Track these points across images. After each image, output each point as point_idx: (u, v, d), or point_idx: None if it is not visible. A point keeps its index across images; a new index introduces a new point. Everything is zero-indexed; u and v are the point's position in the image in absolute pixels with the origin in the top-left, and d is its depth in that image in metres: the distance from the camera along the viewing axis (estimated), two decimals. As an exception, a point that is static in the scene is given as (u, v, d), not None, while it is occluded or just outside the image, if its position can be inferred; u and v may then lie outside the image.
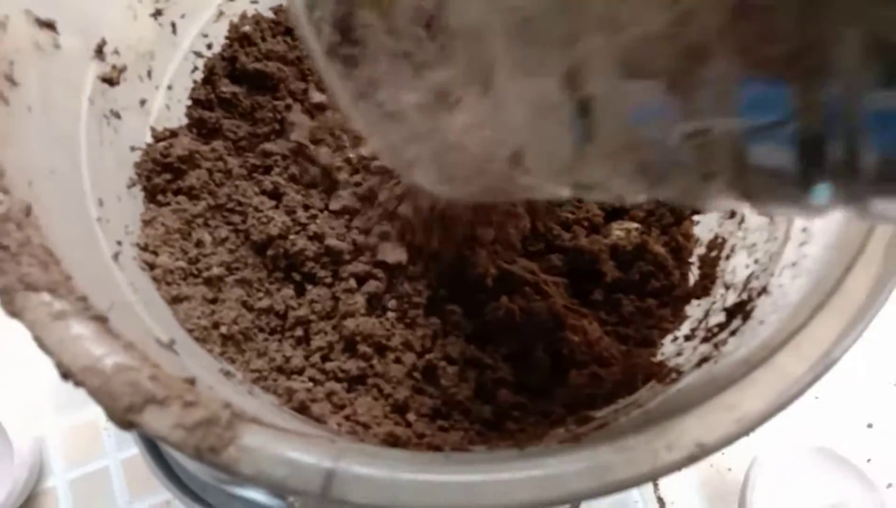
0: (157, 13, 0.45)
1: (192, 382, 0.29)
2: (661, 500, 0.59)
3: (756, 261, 0.39)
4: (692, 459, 0.25)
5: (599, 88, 0.19)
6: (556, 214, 0.48)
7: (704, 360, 0.34)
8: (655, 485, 0.57)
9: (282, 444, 0.26)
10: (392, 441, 0.36)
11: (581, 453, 0.27)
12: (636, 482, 0.25)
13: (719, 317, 0.38)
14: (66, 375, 0.26)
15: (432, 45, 0.21)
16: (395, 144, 0.26)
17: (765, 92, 0.17)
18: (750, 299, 0.36)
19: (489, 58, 0.20)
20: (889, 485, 0.60)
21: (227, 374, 0.38)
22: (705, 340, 0.37)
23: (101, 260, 0.35)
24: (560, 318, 0.44)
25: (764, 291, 0.35)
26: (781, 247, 0.36)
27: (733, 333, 0.35)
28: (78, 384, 0.26)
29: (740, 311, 0.36)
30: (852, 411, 0.63)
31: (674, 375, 0.35)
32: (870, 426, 0.62)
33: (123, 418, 0.26)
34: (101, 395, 0.26)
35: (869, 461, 0.60)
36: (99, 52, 0.40)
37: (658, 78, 0.18)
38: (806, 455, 0.59)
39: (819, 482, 0.58)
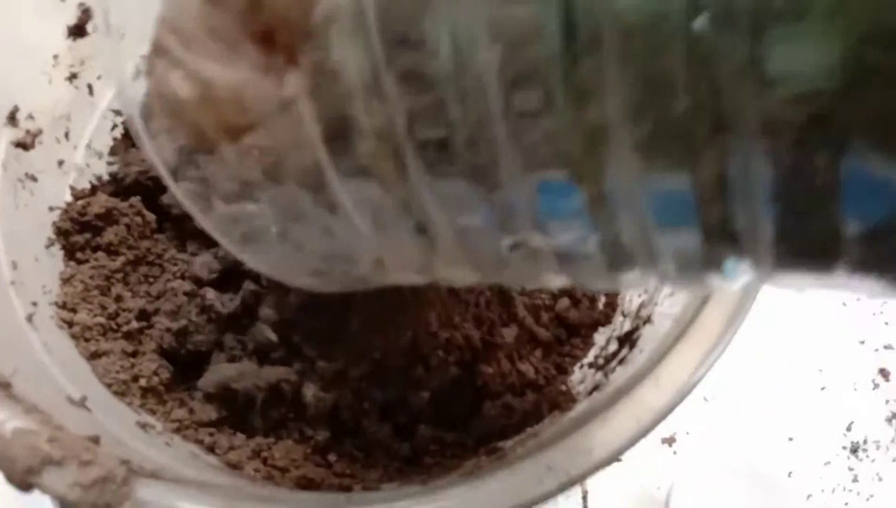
0: (73, 76, 0.46)
1: (95, 440, 0.30)
2: (590, 523, 0.60)
3: (646, 291, 0.41)
4: (562, 488, 0.27)
5: (429, 215, 0.21)
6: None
7: (595, 388, 0.36)
8: (585, 506, 0.59)
9: (176, 496, 0.27)
10: (304, 484, 0.37)
11: (472, 484, 0.29)
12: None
13: (614, 345, 0.40)
14: (-34, 441, 0.27)
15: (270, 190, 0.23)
16: (255, 255, 0.28)
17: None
18: (637, 328, 0.38)
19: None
20: (809, 496, 0.62)
21: (145, 426, 0.39)
22: (600, 368, 0.39)
23: (12, 323, 0.36)
24: (476, 351, 0.46)
25: (649, 320, 0.37)
26: (665, 278, 0.39)
27: (621, 362, 0.37)
28: (-22, 449, 0.27)
29: (628, 340, 0.38)
30: (773, 425, 0.66)
31: (571, 404, 0.37)
32: (791, 439, 0.65)
33: (22, 479, 0.27)
34: (1, 459, 0.27)
35: (790, 474, 0.63)
36: (12, 118, 0.41)
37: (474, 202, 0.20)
38: (727, 474, 0.61)
39: (738, 499, 0.60)
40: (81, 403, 0.35)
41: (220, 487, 0.29)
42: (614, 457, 0.27)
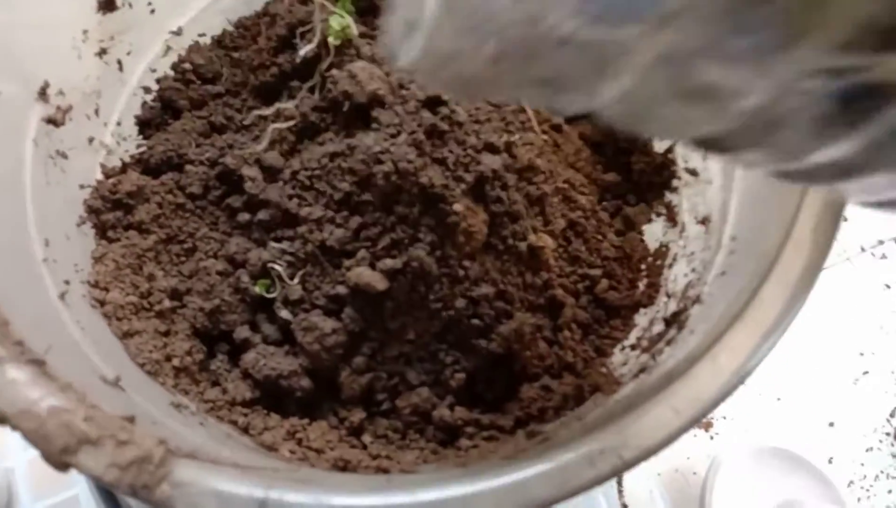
0: (103, 52, 0.45)
1: (130, 420, 0.29)
2: (625, 506, 0.59)
3: (693, 270, 0.40)
4: (615, 471, 0.26)
5: None
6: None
7: (642, 370, 0.35)
8: (620, 492, 0.58)
9: (214, 477, 0.26)
10: (342, 466, 0.36)
11: (519, 467, 0.28)
12: (560, 498, 0.25)
13: (660, 327, 0.39)
14: (2, 419, 0.27)
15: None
16: None
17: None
18: (685, 309, 0.37)
19: None
20: (850, 483, 0.61)
21: (178, 406, 0.38)
22: (645, 350, 0.38)
23: (45, 301, 0.36)
24: (513, 333, 0.44)
25: (697, 300, 0.36)
26: (714, 256, 0.37)
27: (669, 342, 0.35)
28: (14, 427, 0.27)
29: (675, 320, 0.37)
30: (814, 411, 0.64)
31: (615, 386, 0.36)
32: (831, 424, 0.63)
33: (59, 459, 0.26)
34: (37, 437, 0.26)
35: (830, 460, 0.61)
36: (42, 94, 0.41)
37: None
38: (765, 456, 0.60)
39: (777, 482, 0.59)
40: (115, 382, 0.34)
41: (257, 469, 0.28)
42: (671, 440, 0.26)
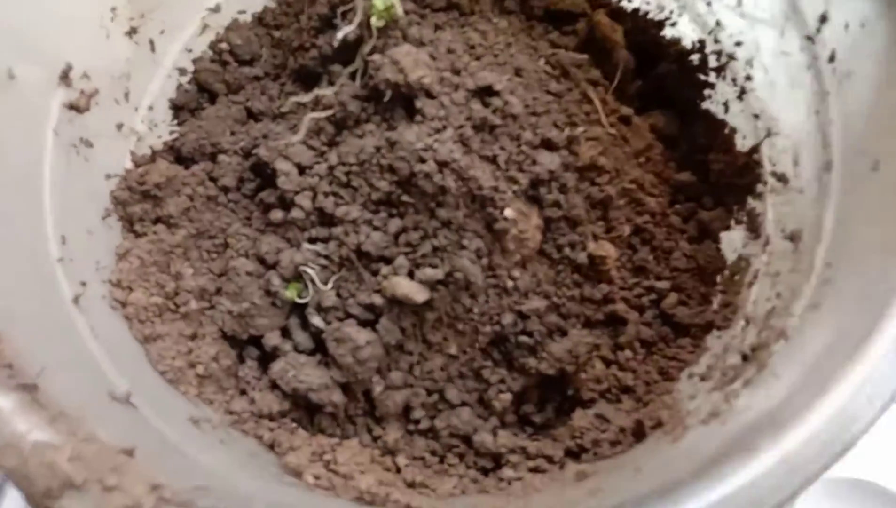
0: (133, 31, 0.42)
1: (129, 452, 0.26)
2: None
3: (778, 295, 0.34)
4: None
5: None
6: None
7: (713, 416, 0.30)
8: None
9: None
10: (369, 500, 0.33)
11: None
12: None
13: (735, 359, 0.34)
14: (-16, 453, 0.24)
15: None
16: None
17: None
18: (767, 345, 0.31)
19: None
20: (946, 520, 0.54)
21: (197, 422, 0.35)
22: (718, 387, 0.33)
23: (55, 306, 0.33)
24: (575, 356, 0.40)
25: (783, 334, 0.31)
26: (803, 282, 0.32)
27: (746, 383, 0.30)
28: (-4, 463, 0.24)
29: (756, 357, 0.31)
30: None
31: (680, 429, 0.31)
32: (924, 452, 0.56)
33: (41, 503, 0.23)
34: (18, 477, 0.24)
35: (922, 494, 0.54)
36: (65, 78, 0.38)
37: None
38: (843, 488, 0.54)
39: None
40: (126, 399, 0.31)
41: None
42: None
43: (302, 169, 0.40)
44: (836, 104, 0.34)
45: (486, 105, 0.38)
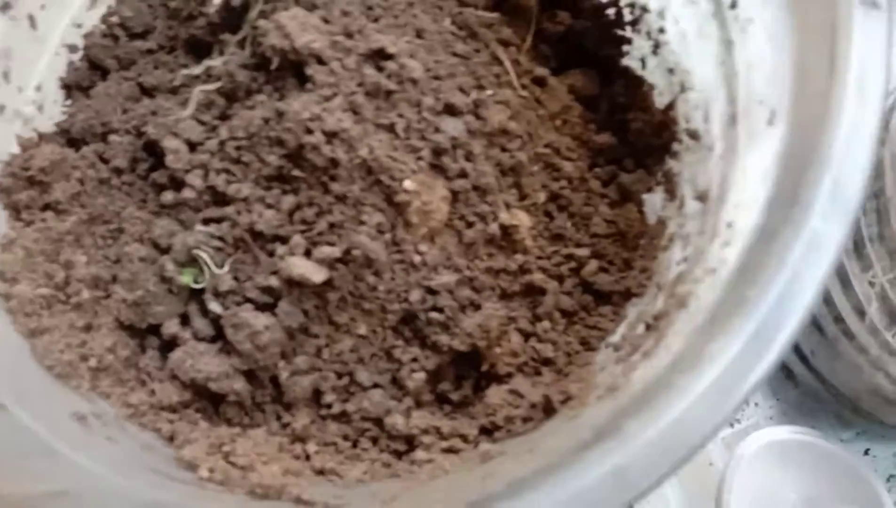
0: (5, 6, 0.39)
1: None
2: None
3: (685, 258, 0.33)
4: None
5: None
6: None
7: (611, 390, 0.29)
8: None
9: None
10: (262, 494, 0.31)
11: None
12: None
13: (641, 329, 0.32)
14: None
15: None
16: None
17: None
18: (668, 313, 0.30)
19: None
20: (890, 478, 0.54)
21: (83, 419, 0.33)
22: (621, 359, 0.31)
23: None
24: (487, 331, 0.38)
25: (683, 303, 0.29)
26: (708, 244, 0.30)
27: (645, 355, 0.29)
28: None
29: (656, 327, 0.30)
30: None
31: (581, 406, 0.30)
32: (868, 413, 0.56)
33: None
34: None
35: (867, 452, 0.54)
36: (-76, 57, 0.35)
37: None
38: (792, 448, 0.53)
39: (804, 477, 0.52)
40: (-9, 401, 0.29)
41: None
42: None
43: (192, 146, 0.38)
44: (740, 54, 0.32)
45: (379, 69, 0.36)
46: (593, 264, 0.40)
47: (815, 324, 0.49)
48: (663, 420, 0.20)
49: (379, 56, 0.36)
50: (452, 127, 0.37)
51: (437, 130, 0.37)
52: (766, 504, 0.54)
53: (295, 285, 0.36)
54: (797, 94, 0.26)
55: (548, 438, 0.30)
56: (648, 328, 0.31)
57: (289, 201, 0.36)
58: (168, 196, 0.38)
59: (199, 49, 0.42)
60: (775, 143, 0.26)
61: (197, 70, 0.40)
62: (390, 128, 0.36)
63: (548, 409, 0.35)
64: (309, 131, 0.34)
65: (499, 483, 0.25)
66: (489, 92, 0.39)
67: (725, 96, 0.33)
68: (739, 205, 0.28)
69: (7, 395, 0.31)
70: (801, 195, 0.22)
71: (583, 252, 0.41)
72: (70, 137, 0.42)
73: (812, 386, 0.55)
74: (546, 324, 0.40)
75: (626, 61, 0.44)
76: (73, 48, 0.44)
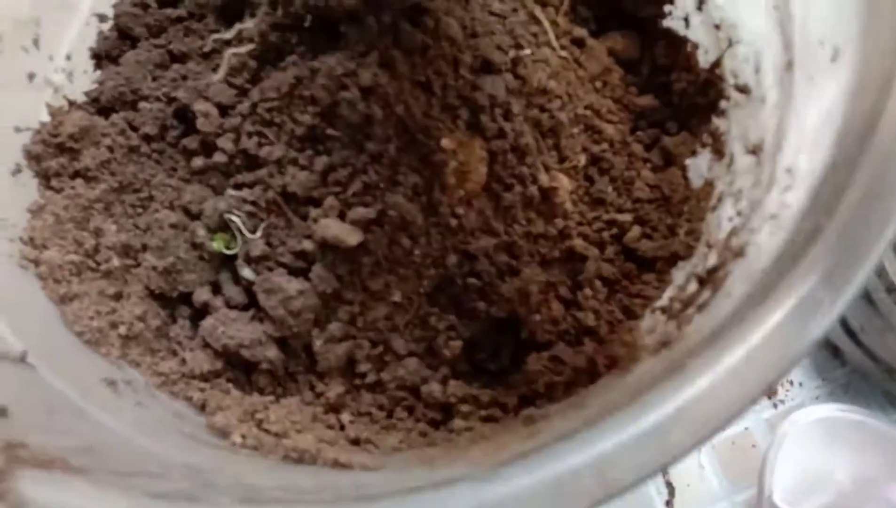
0: (35, -27, 0.39)
1: (2, 412, 0.23)
2: (669, 484, 0.52)
3: (739, 213, 0.31)
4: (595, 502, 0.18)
5: None
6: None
7: (664, 344, 0.27)
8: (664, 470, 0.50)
9: (67, 494, 0.20)
10: (297, 458, 0.30)
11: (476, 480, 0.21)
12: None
13: (693, 286, 0.31)
14: None
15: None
16: None
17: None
18: (723, 264, 0.28)
19: None
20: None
21: (113, 384, 0.32)
22: (673, 317, 0.30)
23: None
24: (526, 296, 0.37)
25: (740, 252, 0.27)
26: (764, 194, 0.29)
27: (700, 308, 0.27)
28: None
29: (711, 280, 0.28)
30: None
31: (631, 363, 0.28)
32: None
33: None
34: None
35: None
36: (-46, 20, 0.35)
37: None
38: (839, 428, 0.51)
39: (852, 458, 0.50)
40: (21, 358, 0.29)
41: (121, 487, 0.22)
42: (653, 473, 0.18)
43: (224, 109, 0.37)
44: (796, -4, 0.30)
45: (415, 25, 0.35)
46: (636, 230, 0.39)
47: (865, 296, 0.46)
48: (736, 355, 0.19)
49: (414, 12, 0.35)
50: (490, 85, 0.36)
51: (474, 87, 0.35)
52: (811, 485, 0.52)
53: (329, 249, 0.35)
54: (865, 25, 0.24)
55: (598, 393, 0.29)
56: (702, 282, 0.30)
57: (322, 161, 0.35)
58: (198, 162, 0.38)
59: (229, 15, 0.41)
60: (842, 78, 0.25)
61: (228, 35, 0.39)
62: (427, 85, 0.35)
63: (593, 374, 0.33)
64: (344, 87, 0.33)
65: (547, 438, 0.24)
66: (527, 51, 0.38)
67: (780, 42, 0.31)
68: (801, 148, 0.27)
69: (37, 357, 0.30)
70: (880, 122, 0.21)
71: (625, 218, 0.39)
72: (100, 106, 0.41)
73: (861, 364, 0.53)
74: (587, 292, 0.38)
75: (668, 22, 0.42)
76: (102, 17, 0.43)
